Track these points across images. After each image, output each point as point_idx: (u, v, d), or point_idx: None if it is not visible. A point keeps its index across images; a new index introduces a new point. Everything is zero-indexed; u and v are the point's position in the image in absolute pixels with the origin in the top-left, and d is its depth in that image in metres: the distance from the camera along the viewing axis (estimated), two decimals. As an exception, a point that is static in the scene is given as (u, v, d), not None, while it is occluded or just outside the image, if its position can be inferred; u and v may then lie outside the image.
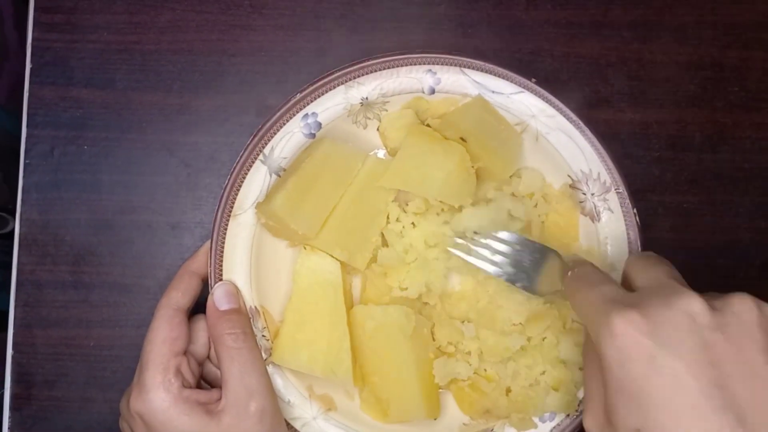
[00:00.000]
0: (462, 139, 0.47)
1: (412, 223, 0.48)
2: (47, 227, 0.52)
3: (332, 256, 0.47)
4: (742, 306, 0.32)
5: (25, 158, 0.52)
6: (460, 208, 0.47)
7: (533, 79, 0.47)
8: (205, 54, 0.53)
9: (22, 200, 0.52)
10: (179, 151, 0.53)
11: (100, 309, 0.52)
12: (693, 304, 0.32)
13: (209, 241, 0.47)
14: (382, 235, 0.48)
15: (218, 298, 0.45)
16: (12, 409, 0.51)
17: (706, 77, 0.54)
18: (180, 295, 0.45)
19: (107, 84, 0.52)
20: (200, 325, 0.46)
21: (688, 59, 0.54)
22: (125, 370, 0.51)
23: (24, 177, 0.52)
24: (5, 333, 0.52)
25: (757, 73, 0.54)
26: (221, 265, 0.47)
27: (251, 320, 0.47)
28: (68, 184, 0.52)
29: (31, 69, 0.52)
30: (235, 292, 0.46)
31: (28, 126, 0.52)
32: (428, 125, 0.49)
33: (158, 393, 0.41)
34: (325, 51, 0.53)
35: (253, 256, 0.47)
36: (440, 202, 0.47)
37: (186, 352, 0.44)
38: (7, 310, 0.52)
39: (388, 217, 0.48)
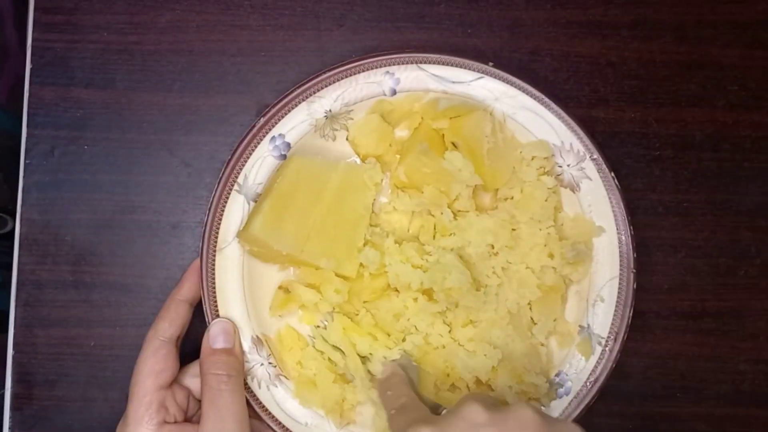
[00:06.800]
0: (453, 144, 0.48)
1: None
2: (48, 227, 0.52)
3: (319, 267, 0.47)
4: (520, 408, 0.36)
5: (26, 158, 0.52)
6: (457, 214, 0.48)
7: (490, 63, 0.48)
8: (205, 54, 0.53)
9: (23, 200, 0.52)
10: (180, 151, 0.53)
11: (101, 309, 0.52)
12: (472, 408, 0.36)
13: (192, 264, 0.47)
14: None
15: (213, 335, 0.45)
16: (13, 408, 0.51)
17: (706, 76, 0.54)
18: (167, 325, 0.45)
19: (108, 84, 0.53)
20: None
21: (687, 58, 0.54)
22: (126, 369, 0.51)
23: (24, 177, 0.52)
24: (6, 333, 0.52)
25: (757, 72, 0.54)
26: (215, 301, 0.46)
27: (255, 350, 0.46)
28: (69, 184, 0.52)
29: (32, 69, 0.52)
30: (232, 332, 0.46)
31: (28, 126, 0.52)
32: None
33: (138, 428, 0.42)
34: (324, 50, 0.53)
35: (245, 287, 0.47)
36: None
37: (173, 385, 0.44)
38: (7, 310, 0.52)
39: (371, 219, 0.48)
